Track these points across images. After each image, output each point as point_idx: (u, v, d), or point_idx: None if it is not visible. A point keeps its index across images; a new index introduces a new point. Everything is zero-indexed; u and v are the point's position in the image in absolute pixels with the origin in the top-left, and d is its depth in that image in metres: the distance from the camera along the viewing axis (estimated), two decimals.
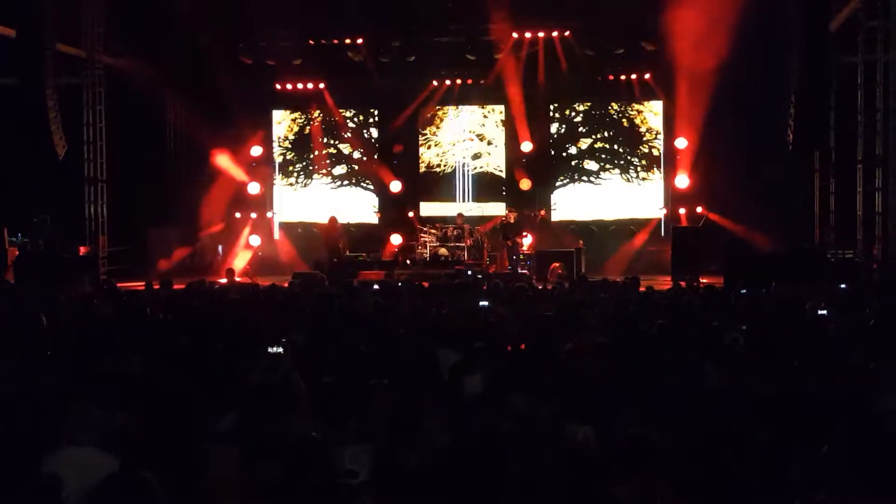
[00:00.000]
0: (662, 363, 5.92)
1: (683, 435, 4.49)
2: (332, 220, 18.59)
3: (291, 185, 21.88)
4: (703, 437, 4.49)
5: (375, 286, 12.45)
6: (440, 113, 21.40)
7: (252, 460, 4.19)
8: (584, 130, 21.05)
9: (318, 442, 4.09)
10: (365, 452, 4.20)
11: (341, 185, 21.75)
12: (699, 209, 18.62)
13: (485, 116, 21.24)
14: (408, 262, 19.11)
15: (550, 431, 4.47)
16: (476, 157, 21.27)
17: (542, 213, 20.00)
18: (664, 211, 20.19)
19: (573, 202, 20.88)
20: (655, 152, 20.63)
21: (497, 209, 20.70)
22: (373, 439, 4.39)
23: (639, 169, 20.69)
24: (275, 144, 21.76)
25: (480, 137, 21.24)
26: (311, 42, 19.85)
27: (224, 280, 14.84)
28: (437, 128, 21.44)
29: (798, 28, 15.52)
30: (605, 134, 21.04)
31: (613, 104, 20.75)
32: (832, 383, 5.47)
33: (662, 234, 19.88)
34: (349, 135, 21.72)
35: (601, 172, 20.89)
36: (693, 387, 5.43)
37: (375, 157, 21.54)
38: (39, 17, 16.14)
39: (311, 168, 21.81)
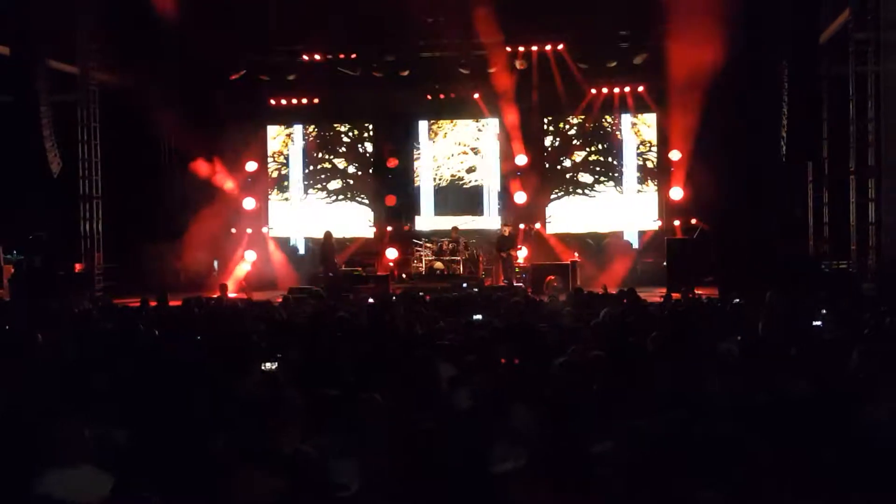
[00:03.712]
0: (657, 375, 5.91)
1: (678, 445, 4.50)
2: (328, 234, 18.58)
3: (287, 200, 21.94)
4: (698, 447, 4.49)
5: (370, 300, 12.45)
6: (434, 127, 21.49)
7: (248, 477, 4.18)
8: (578, 143, 21.13)
9: (312, 457, 4.10)
10: (356, 465, 4.19)
11: (336, 200, 21.79)
12: (693, 221, 18.67)
13: (479, 130, 21.32)
14: (403, 276, 19.15)
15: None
16: (470, 170, 21.31)
17: (537, 226, 20.04)
18: (659, 223, 20.23)
19: (568, 215, 20.93)
20: (650, 164, 20.71)
21: (492, 223, 20.75)
22: (367, 451, 4.39)
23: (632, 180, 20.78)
24: (269, 160, 21.83)
25: (475, 151, 21.30)
26: (305, 57, 19.93)
27: (218, 295, 14.83)
28: (433, 141, 21.50)
29: (789, 40, 15.61)
30: (599, 147, 21.12)
31: (607, 117, 20.82)
32: (826, 393, 5.47)
33: (657, 246, 19.90)
34: (343, 149, 21.79)
35: (595, 185, 20.96)
36: (688, 398, 5.43)
37: (370, 171, 21.62)
38: (33, 34, 16.19)
39: (306, 183, 21.88)
